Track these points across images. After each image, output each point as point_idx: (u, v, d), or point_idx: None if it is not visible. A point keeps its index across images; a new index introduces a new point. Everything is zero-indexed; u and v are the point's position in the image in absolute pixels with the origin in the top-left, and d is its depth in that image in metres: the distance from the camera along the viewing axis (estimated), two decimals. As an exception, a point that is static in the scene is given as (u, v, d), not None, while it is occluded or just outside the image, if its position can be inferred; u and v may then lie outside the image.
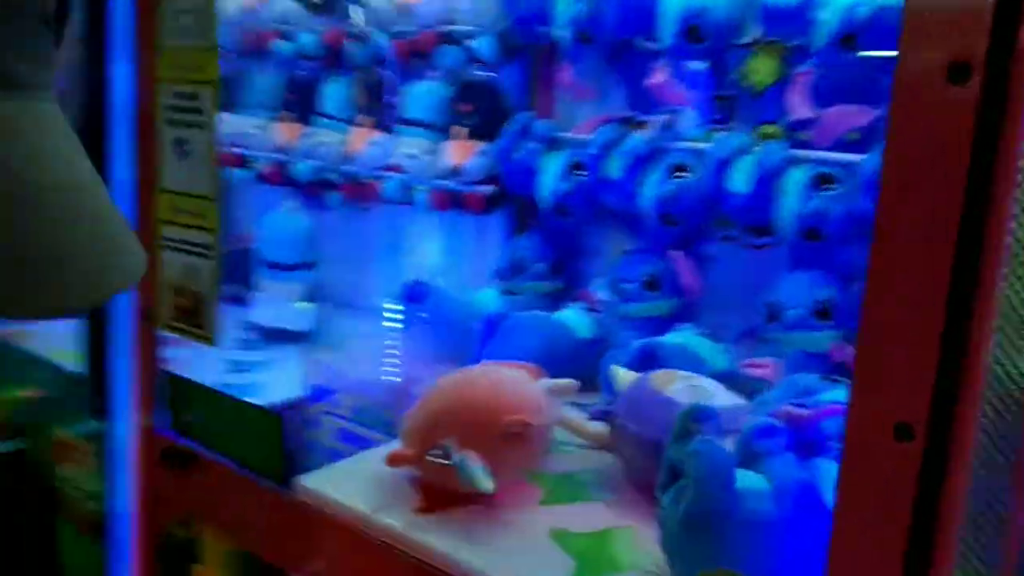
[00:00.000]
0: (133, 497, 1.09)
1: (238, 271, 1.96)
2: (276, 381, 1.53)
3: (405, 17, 1.80)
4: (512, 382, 0.91)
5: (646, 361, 1.14)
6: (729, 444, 0.82)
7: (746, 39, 1.38)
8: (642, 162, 1.43)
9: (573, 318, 1.44)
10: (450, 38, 1.74)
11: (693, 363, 1.14)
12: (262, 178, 2.12)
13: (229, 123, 2.14)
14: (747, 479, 0.78)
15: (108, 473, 1.13)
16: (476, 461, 0.87)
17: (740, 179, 1.29)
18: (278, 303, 1.78)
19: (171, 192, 0.99)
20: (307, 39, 2.02)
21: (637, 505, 0.98)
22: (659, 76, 1.57)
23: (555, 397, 0.98)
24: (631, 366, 1.11)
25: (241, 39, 2.14)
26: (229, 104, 2.18)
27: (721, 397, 1.00)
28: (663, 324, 1.37)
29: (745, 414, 0.95)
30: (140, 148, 1.03)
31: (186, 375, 1.43)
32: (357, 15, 1.80)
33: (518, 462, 0.94)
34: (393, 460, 0.97)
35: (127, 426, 1.11)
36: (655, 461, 0.85)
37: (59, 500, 1.33)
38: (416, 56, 1.83)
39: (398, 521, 0.94)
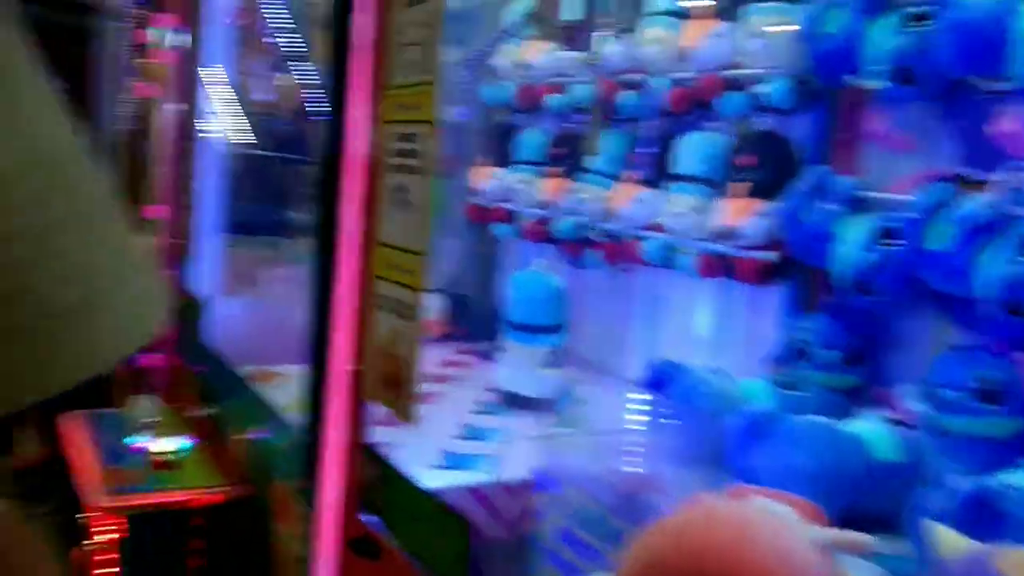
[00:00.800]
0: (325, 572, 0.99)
1: (487, 329, 1.88)
2: (507, 454, 1.39)
3: (684, 61, 1.62)
4: (770, 531, 0.65)
5: (980, 514, 0.80)
6: None
7: None
8: (981, 232, 1.09)
9: (871, 432, 1.12)
10: (735, 83, 1.52)
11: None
12: (524, 234, 2.05)
13: (499, 178, 2.11)
14: None
15: (310, 542, 1.05)
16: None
17: None
18: (521, 366, 1.65)
19: (386, 245, 0.89)
20: (581, 91, 1.92)
21: None
22: (1006, 123, 1.21)
23: (836, 554, 0.69)
24: (958, 520, 0.78)
25: (516, 93, 2.11)
26: (502, 159, 2.16)
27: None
28: (1003, 452, 1.00)
29: None
30: (364, 197, 0.95)
31: (415, 435, 1.34)
32: (600, 50, 1.65)
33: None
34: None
35: (329, 494, 1.02)
36: None
37: (273, 554, 1.29)
38: (695, 104, 1.63)
39: None
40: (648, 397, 1.36)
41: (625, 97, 1.77)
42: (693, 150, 1.60)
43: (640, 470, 1.18)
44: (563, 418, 1.59)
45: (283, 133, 2.24)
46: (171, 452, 1.44)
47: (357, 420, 0.99)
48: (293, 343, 1.73)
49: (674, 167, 1.62)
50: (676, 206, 1.58)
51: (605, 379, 1.83)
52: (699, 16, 1.61)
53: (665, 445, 1.21)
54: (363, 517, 0.98)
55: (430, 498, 0.91)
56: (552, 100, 2.02)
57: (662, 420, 1.27)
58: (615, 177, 1.82)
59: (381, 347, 0.89)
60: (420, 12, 0.84)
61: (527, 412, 1.60)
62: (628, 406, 1.42)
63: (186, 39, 2.07)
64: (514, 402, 1.63)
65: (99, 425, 1.57)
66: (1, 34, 0.29)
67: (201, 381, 1.77)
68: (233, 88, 2.14)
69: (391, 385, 0.87)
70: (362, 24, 0.97)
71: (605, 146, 1.88)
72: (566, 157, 1.97)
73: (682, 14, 1.64)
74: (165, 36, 2.14)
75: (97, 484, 1.32)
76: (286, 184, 2.20)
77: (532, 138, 2.10)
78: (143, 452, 1.44)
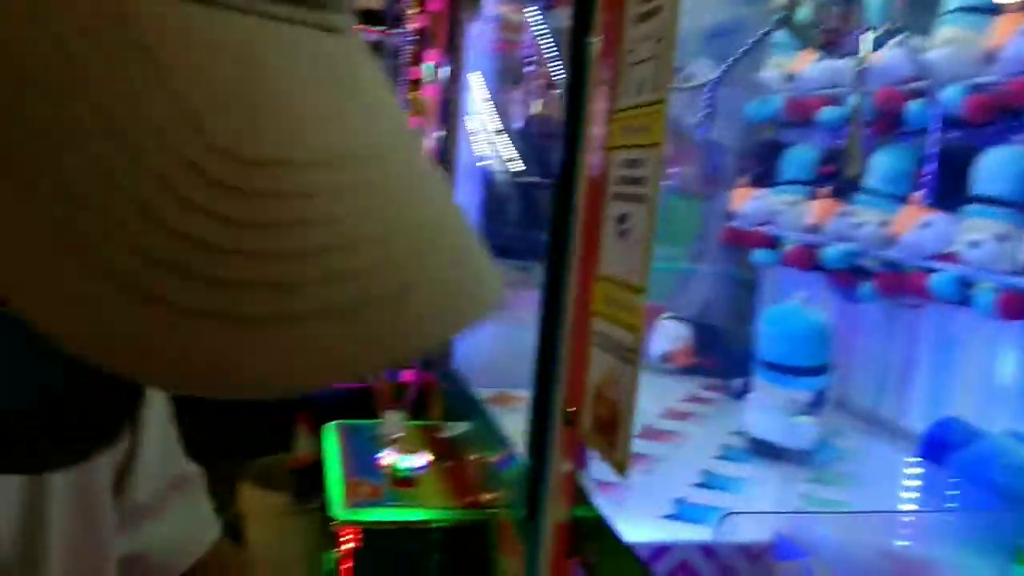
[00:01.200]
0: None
1: (738, 365, 1.73)
2: (749, 508, 1.24)
3: (988, 64, 1.36)
4: None
5: None
6: None
7: None
8: None
9: None
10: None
11: None
12: (786, 261, 1.87)
13: (762, 200, 1.95)
14: None
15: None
16: None
17: None
18: (774, 411, 1.48)
19: (605, 279, 0.82)
20: (855, 102, 1.70)
21: None
22: None
23: None
24: None
25: (782, 108, 1.94)
26: (765, 179, 2.00)
27: None
28: None
29: None
30: (585, 228, 0.89)
31: (647, 476, 1.25)
32: (867, 50, 1.43)
33: None
34: None
35: (544, 536, 0.97)
36: None
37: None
38: (1000, 113, 1.37)
39: None
40: (929, 462, 1.15)
41: (909, 107, 1.54)
42: (999, 167, 1.34)
43: (913, 552, 0.99)
44: (820, 475, 1.41)
45: (539, 158, 2.27)
46: (411, 470, 1.49)
47: (576, 461, 0.93)
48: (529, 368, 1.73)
49: (973, 187, 1.37)
50: (974, 233, 1.33)
51: (876, 433, 1.59)
52: (1013, 10, 1.35)
53: (947, 525, 1.00)
54: (574, 566, 0.91)
55: (640, 569, 0.83)
56: (823, 113, 1.83)
57: (946, 492, 1.06)
58: (896, 198, 1.59)
59: (597, 388, 0.83)
60: (652, 25, 0.77)
61: (778, 463, 1.43)
62: (904, 470, 1.21)
63: (448, 70, 2.18)
64: (763, 450, 1.47)
65: (354, 435, 1.68)
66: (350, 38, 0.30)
67: (446, 400, 1.82)
68: (492, 115, 2.22)
69: (605, 430, 0.80)
70: (597, 45, 0.92)
71: (884, 163, 1.66)
72: (838, 176, 1.77)
73: (989, 9, 1.39)
74: (432, 71, 2.28)
75: (342, 494, 1.40)
76: (540, 209, 2.23)
77: (800, 155, 1.92)
78: (386, 466, 1.50)
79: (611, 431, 0.77)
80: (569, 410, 0.89)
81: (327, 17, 0.28)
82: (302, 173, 0.24)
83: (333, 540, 1.37)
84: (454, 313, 0.28)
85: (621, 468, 0.75)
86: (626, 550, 0.82)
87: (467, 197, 2.23)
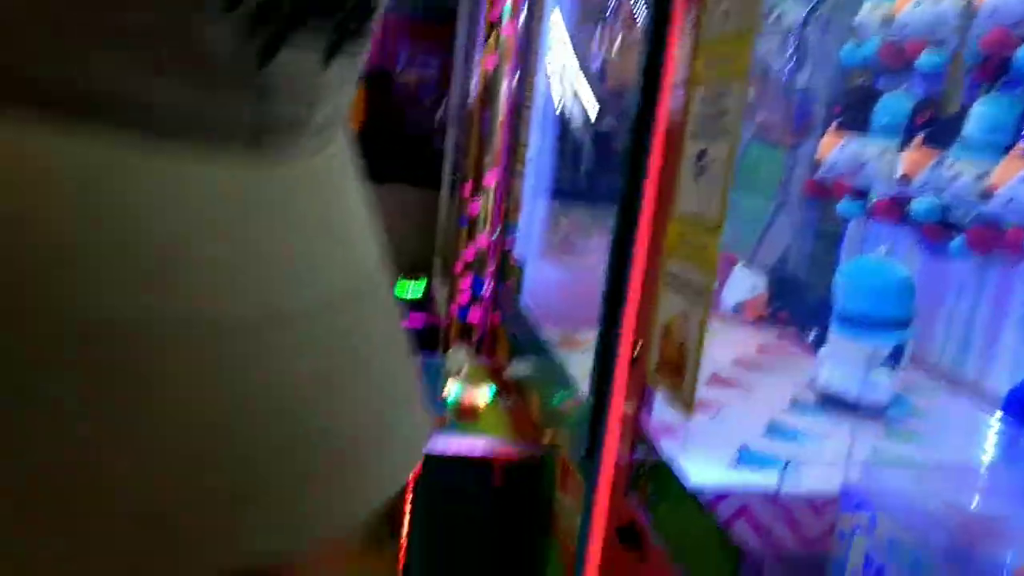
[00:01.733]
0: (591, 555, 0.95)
1: (814, 316, 1.68)
2: (815, 460, 1.22)
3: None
4: None
5: None
6: None
7: None
8: None
9: None
10: None
11: None
12: (873, 212, 1.79)
13: (850, 148, 1.87)
14: None
15: (584, 520, 1.02)
16: None
17: None
18: (847, 365, 1.44)
19: (681, 218, 0.80)
20: (957, 47, 1.60)
21: None
22: None
23: None
24: None
25: (878, 52, 1.83)
26: (855, 127, 1.91)
27: None
28: None
29: None
30: (663, 166, 0.87)
31: (715, 423, 1.25)
32: None
33: None
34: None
35: (604, 475, 0.98)
36: None
37: (554, 522, 1.29)
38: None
39: None
40: (1011, 422, 1.10)
41: (1018, 53, 1.44)
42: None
43: (984, 509, 0.96)
44: (893, 431, 1.37)
45: (614, 102, 2.22)
46: (475, 403, 1.52)
47: (639, 402, 0.92)
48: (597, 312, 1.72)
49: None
50: (1080, 188, 1.24)
51: (956, 392, 1.54)
52: None
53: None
54: (633, 506, 0.92)
55: (700, 510, 0.82)
56: (922, 59, 1.72)
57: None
58: (997, 149, 1.50)
59: (665, 329, 0.82)
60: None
61: (848, 417, 1.40)
62: (982, 430, 1.17)
63: (527, 12, 2.14)
64: (834, 404, 1.44)
65: (422, 367, 1.70)
66: (339, 147, 0.25)
67: (512, 341, 1.84)
68: (571, 55, 2.17)
69: (672, 371, 0.79)
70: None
71: (986, 112, 1.56)
72: (933, 125, 1.67)
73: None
74: (511, 8, 2.24)
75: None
76: (612, 153, 2.19)
77: (894, 103, 1.82)
78: (450, 399, 1.53)
79: (677, 372, 0.77)
80: (634, 351, 0.89)
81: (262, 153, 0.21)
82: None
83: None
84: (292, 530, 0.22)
85: (689, 407, 0.74)
86: (687, 492, 0.82)
87: (542, 139, 2.20)
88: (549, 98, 2.19)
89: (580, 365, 1.38)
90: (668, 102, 0.90)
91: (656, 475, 0.86)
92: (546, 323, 1.68)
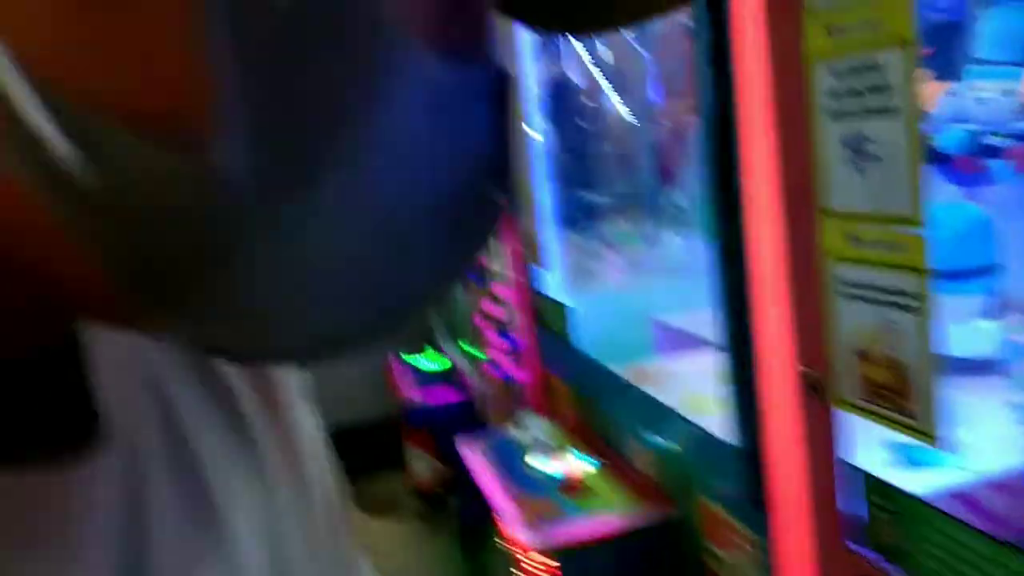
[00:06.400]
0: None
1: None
2: (977, 439, 1.10)
3: None
4: None
5: None
6: None
7: None
8: None
9: None
10: None
11: None
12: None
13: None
14: None
15: (771, 570, 0.88)
16: None
17: None
18: (951, 322, 1.33)
19: (842, 215, 0.68)
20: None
21: None
22: None
23: None
24: None
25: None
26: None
27: None
28: None
29: None
30: (784, 154, 0.75)
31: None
32: None
33: None
34: None
35: (796, 533, 0.84)
36: None
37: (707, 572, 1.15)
38: None
39: None
40: None
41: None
42: None
43: None
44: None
45: (588, 112, 2.11)
46: (579, 474, 1.36)
47: (823, 431, 0.79)
48: (659, 336, 1.58)
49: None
50: None
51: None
52: None
53: None
54: (862, 552, 0.78)
55: (990, 539, 0.69)
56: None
57: None
58: (1015, 64, 1.42)
59: (856, 347, 0.69)
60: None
61: (972, 379, 1.28)
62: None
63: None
64: (957, 367, 1.32)
65: (493, 446, 1.54)
66: None
67: (572, 390, 1.69)
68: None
69: (884, 395, 0.66)
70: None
71: (994, 27, 1.48)
72: (939, 53, 1.59)
73: None
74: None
75: (513, 515, 1.27)
76: (592, 166, 2.07)
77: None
78: (547, 475, 1.38)
79: (902, 395, 0.64)
80: (809, 378, 0.76)
81: None
82: None
83: (505, 562, 1.26)
84: None
85: (930, 437, 0.61)
86: (954, 522, 0.68)
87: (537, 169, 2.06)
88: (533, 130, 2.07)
89: (668, 396, 1.24)
90: (755, 81, 0.78)
91: (894, 506, 0.73)
92: (606, 360, 1.54)
